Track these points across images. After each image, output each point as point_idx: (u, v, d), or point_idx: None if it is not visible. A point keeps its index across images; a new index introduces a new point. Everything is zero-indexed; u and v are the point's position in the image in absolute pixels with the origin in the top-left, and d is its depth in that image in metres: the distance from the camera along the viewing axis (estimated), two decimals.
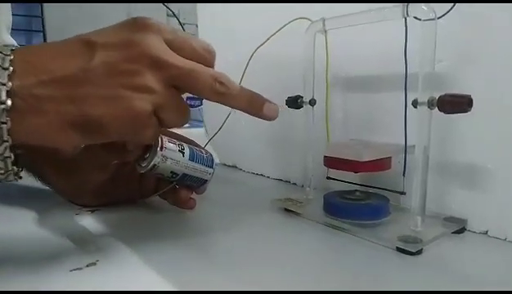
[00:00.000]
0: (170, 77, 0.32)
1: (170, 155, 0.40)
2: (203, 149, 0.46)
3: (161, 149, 0.39)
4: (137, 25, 0.32)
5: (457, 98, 0.34)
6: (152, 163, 0.39)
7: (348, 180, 0.48)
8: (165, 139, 0.40)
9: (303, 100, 0.49)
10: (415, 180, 0.38)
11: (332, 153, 0.42)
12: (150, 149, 0.40)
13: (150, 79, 0.31)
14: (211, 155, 0.45)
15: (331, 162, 0.43)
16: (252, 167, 0.72)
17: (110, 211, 0.49)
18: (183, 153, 0.41)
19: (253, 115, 0.36)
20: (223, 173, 0.74)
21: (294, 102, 0.50)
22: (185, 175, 0.42)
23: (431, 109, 0.36)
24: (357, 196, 0.44)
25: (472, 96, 0.34)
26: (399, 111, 0.40)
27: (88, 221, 0.45)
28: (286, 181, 0.64)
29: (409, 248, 0.35)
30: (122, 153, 0.42)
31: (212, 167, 0.44)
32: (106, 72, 0.30)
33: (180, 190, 0.46)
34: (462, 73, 0.41)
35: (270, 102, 0.37)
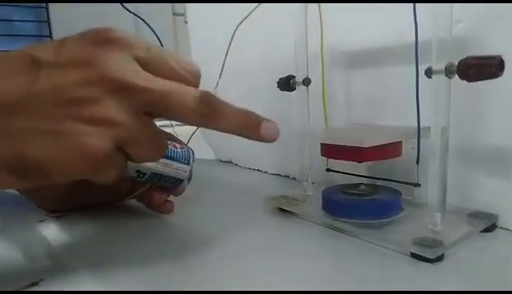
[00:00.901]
0: (140, 104, 0.25)
1: None
2: (179, 142, 0.39)
3: None
4: (99, 38, 0.24)
5: (484, 60, 0.27)
6: None
7: (351, 171, 0.41)
8: None
9: (296, 80, 0.42)
10: (432, 169, 0.31)
11: (329, 140, 0.35)
12: None
13: (112, 108, 0.23)
14: (188, 150, 0.38)
15: (329, 150, 0.36)
16: (248, 162, 0.65)
17: (79, 217, 0.43)
18: None
19: (249, 138, 0.29)
20: (217, 169, 0.67)
21: (287, 83, 0.43)
22: (154, 174, 0.35)
23: (449, 77, 0.29)
24: (361, 190, 0.36)
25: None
26: (411, 88, 0.32)
27: (49, 230, 0.39)
28: (285, 176, 0.57)
29: (426, 254, 0.28)
30: None
31: (189, 163, 0.37)
32: (52, 99, 0.23)
33: (153, 192, 0.39)
34: (487, 35, 0.33)
35: (267, 120, 0.29)
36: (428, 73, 0.30)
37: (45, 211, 0.44)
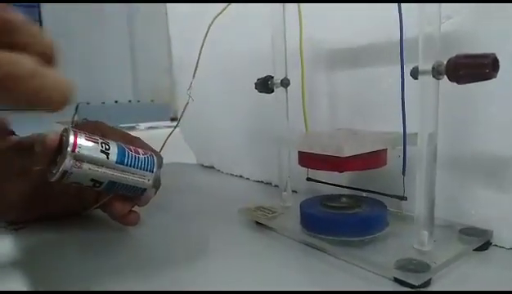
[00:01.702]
0: None
1: (87, 157, 0.30)
2: (142, 148, 0.36)
3: (73, 149, 0.29)
4: None
5: (476, 59, 0.23)
6: (62, 169, 0.29)
7: (333, 181, 0.37)
8: (81, 135, 0.30)
9: (274, 81, 0.38)
10: (419, 181, 0.27)
11: (306, 148, 0.32)
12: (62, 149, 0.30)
13: None
14: (153, 156, 0.35)
15: (306, 158, 0.32)
16: (230, 167, 0.61)
17: (39, 228, 0.39)
18: (107, 155, 0.31)
19: None
20: (196, 175, 0.63)
21: (264, 85, 0.39)
22: (113, 183, 0.32)
23: (437, 78, 0.25)
24: (342, 203, 0.33)
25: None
26: (399, 90, 0.29)
27: (1, 245, 0.35)
28: (268, 183, 0.54)
29: (411, 280, 0.25)
30: (31, 157, 0.32)
31: (152, 171, 0.34)
32: None
33: (114, 202, 0.35)
34: (481, 31, 0.30)
35: None
36: (414, 73, 0.26)
37: (4, 222, 0.41)
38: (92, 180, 0.31)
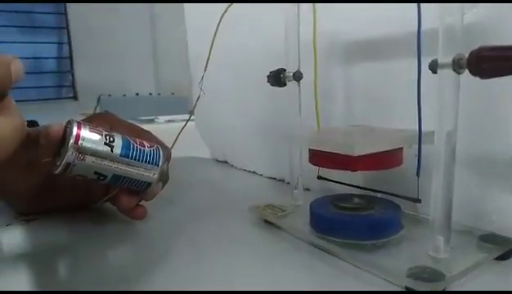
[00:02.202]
0: None
1: (90, 150, 0.29)
2: (150, 141, 0.35)
3: (76, 141, 0.28)
4: None
5: (502, 51, 0.21)
6: (65, 161, 0.29)
7: (346, 179, 0.36)
8: (85, 127, 0.29)
9: (286, 74, 0.37)
10: (436, 182, 0.25)
11: (316, 145, 0.30)
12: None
13: None
14: (159, 149, 0.34)
15: (316, 156, 0.31)
16: (243, 163, 0.60)
17: (50, 221, 0.39)
18: (112, 148, 0.30)
19: None
20: (210, 170, 0.63)
21: (277, 78, 0.38)
22: (117, 176, 0.31)
23: (458, 72, 0.23)
24: (354, 204, 0.31)
25: None
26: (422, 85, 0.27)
27: (12, 236, 0.36)
28: (280, 180, 0.52)
29: (422, 288, 0.23)
30: (37, 149, 0.32)
31: (158, 164, 0.33)
32: None
33: (120, 196, 0.35)
34: (509, 23, 0.27)
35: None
36: (433, 67, 0.24)
37: (15, 213, 0.41)
38: (96, 172, 0.30)
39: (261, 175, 0.56)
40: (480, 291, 0.24)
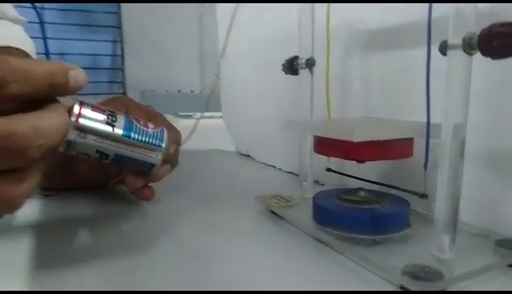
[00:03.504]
0: None
1: (91, 128, 0.29)
2: (163, 123, 0.35)
3: (76, 119, 0.29)
4: None
5: None
6: (66, 139, 0.29)
7: (359, 174, 0.34)
8: (87, 106, 0.30)
9: (299, 61, 0.36)
10: (441, 178, 0.23)
11: (318, 132, 0.29)
12: None
13: None
14: (163, 131, 0.34)
15: (319, 144, 0.29)
16: (264, 157, 0.59)
17: (66, 197, 0.41)
18: (113, 127, 0.30)
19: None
20: (231, 162, 0.62)
21: (290, 66, 0.37)
22: (119, 155, 0.31)
23: (469, 53, 0.21)
24: (359, 197, 0.29)
25: None
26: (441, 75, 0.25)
27: (30, 208, 0.37)
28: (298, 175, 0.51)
29: (416, 288, 0.21)
30: None
31: (160, 145, 0.33)
32: None
33: (128, 176, 0.35)
34: None
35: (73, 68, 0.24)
36: (443, 48, 0.22)
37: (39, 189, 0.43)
38: (98, 151, 0.30)
39: (279, 169, 0.55)
40: (479, 291, 0.22)
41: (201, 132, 0.50)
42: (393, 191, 0.32)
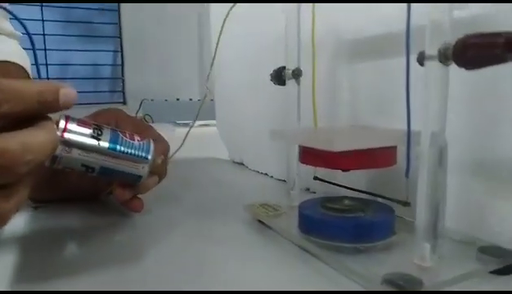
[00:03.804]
0: None
1: (76, 142, 0.30)
2: (142, 135, 0.35)
3: (61, 133, 0.29)
4: None
5: (488, 37, 0.19)
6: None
7: (346, 183, 0.34)
8: (73, 121, 0.30)
9: (286, 72, 0.36)
10: (420, 185, 0.23)
11: (302, 141, 0.29)
12: None
13: None
14: (149, 143, 0.34)
15: (304, 153, 0.30)
16: (257, 164, 0.59)
17: (56, 209, 0.41)
18: (99, 140, 0.31)
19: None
20: (223, 171, 0.62)
21: (278, 76, 0.37)
22: (105, 169, 0.31)
23: (445, 64, 0.22)
24: (344, 205, 0.29)
25: None
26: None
27: (20, 220, 0.37)
28: None
29: None
30: None
31: (146, 157, 0.33)
32: None
33: (116, 188, 0.35)
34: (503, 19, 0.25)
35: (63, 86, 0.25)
36: (420, 59, 0.23)
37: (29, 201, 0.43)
38: (83, 165, 0.31)
39: (271, 177, 0.55)
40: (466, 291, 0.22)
41: (196, 140, 0.50)
42: (379, 199, 0.32)
